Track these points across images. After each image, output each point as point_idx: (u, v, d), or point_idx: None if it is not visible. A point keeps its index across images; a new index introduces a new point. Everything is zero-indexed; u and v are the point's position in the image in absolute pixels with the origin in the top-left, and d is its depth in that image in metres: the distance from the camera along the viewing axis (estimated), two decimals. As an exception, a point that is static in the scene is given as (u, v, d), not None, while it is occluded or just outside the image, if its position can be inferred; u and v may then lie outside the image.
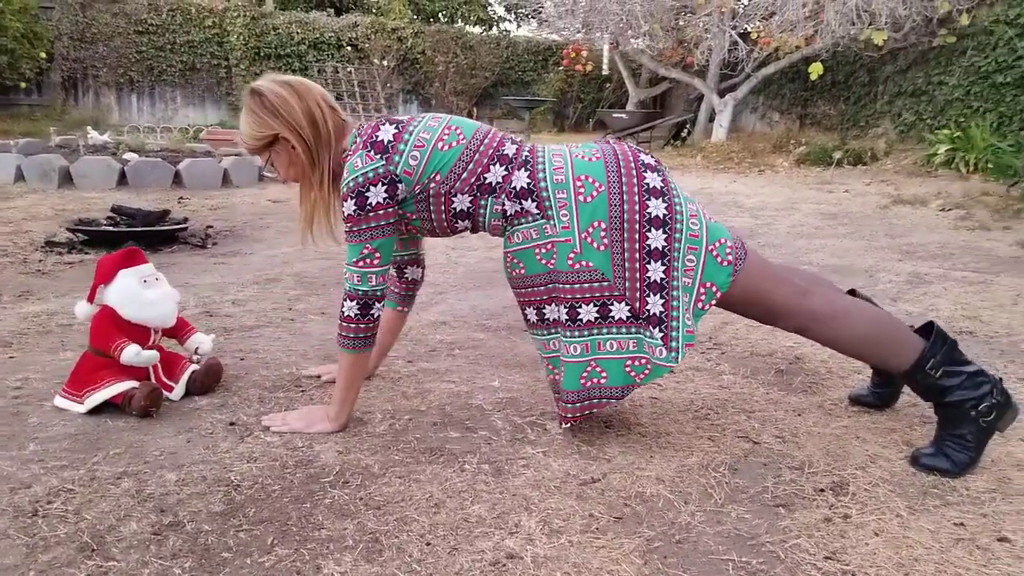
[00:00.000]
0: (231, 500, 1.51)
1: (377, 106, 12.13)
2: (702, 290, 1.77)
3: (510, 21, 18.76)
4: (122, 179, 5.86)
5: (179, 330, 2.13)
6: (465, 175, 1.76)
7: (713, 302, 1.78)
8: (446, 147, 1.76)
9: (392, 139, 1.75)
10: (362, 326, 1.79)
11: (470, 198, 1.78)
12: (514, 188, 1.76)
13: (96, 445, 1.75)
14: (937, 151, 8.11)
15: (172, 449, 1.73)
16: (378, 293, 1.78)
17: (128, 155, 6.10)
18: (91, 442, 1.76)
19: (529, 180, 1.76)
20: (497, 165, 1.77)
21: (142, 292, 1.99)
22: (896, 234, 5.04)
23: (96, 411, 1.90)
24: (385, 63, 13.25)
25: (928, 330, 1.82)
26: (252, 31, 12.19)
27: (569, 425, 1.85)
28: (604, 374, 1.75)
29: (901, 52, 9.82)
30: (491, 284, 3.48)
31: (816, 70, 9.67)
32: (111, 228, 3.85)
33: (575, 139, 12.30)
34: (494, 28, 17.95)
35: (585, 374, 1.75)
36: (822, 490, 1.64)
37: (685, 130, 11.86)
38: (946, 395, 1.74)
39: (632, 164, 1.77)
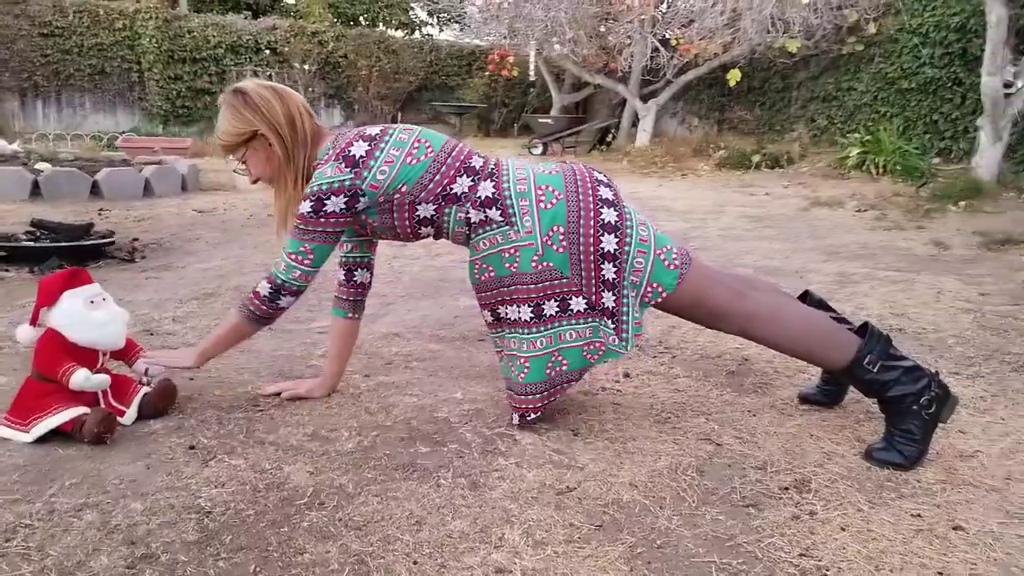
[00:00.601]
0: (204, 528, 1.47)
1: (300, 112, 11.90)
2: (649, 289, 1.93)
3: (432, 25, 18.71)
4: (35, 190, 5.57)
5: (128, 351, 2.05)
6: (431, 186, 1.87)
7: (659, 300, 1.93)
8: (414, 161, 1.86)
9: (364, 155, 1.85)
10: (264, 307, 1.94)
11: (434, 207, 1.89)
12: (479, 197, 1.88)
13: (49, 476, 1.66)
14: (849, 154, 8.48)
15: (132, 476, 1.66)
16: (293, 287, 1.92)
17: (40, 165, 5.81)
18: (43, 473, 1.68)
19: (494, 190, 1.88)
20: (464, 176, 1.89)
21: (89, 313, 1.90)
22: (819, 235, 5.26)
23: (43, 440, 1.81)
24: (306, 67, 13.02)
25: (864, 331, 1.93)
26: (165, 34, 11.76)
27: (531, 417, 1.95)
28: (565, 361, 1.90)
29: (813, 59, 10.25)
30: (438, 293, 3.47)
31: (734, 76, 9.99)
32: (32, 243, 3.66)
33: (500, 144, 12.35)
34: (416, 32, 17.86)
35: (550, 364, 1.90)
36: (786, 488, 1.70)
37: (610, 135, 12.05)
38: (887, 390, 1.85)
39: (587, 178, 1.93)
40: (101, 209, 5.37)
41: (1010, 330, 2.94)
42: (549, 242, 1.84)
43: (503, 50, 12.57)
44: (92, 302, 1.92)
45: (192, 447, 1.81)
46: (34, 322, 1.90)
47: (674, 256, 1.92)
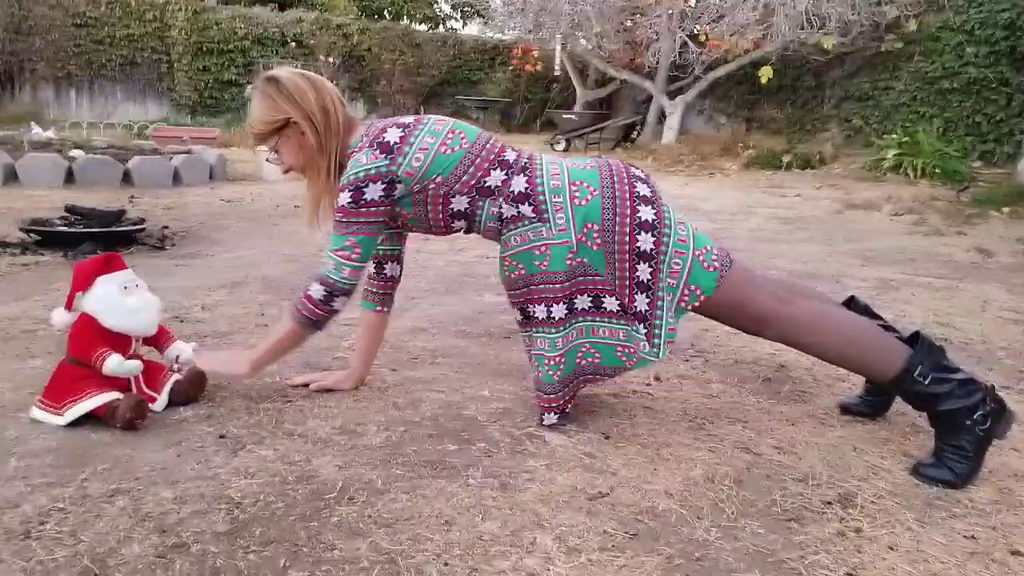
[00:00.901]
0: (235, 519, 1.45)
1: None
2: (686, 291, 1.86)
3: (456, 19, 18.67)
4: (69, 177, 5.62)
5: (159, 338, 2.04)
6: (465, 178, 1.84)
7: (696, 303, 1.87)
8: (449, 151, 1.83)
9: (398, 141, 1.82)
10: (318, 311, 1.88)
11: (468, 199, 1.86)
12: (512, 192, 1.84)
13: (82, 460, 1.65)
14: (886, 156, 8.33)
15: (163, 464, 1.65)
16: (346, 287, 1.86)
17: (74, 152, 5.86)
18: (75, 457, 1.67)
19: (527, 185, 1.84)
20: (497, 170, 1.85)
21: (123, 300, 1.89)
22: (854, 239, 5.16)
23: (76, 423, 1.80)
24: (331, 60, 13.04)
25: (914, 340, 1.85)
26: (194, 25, 11.85)
27: (568, 409, 1.92)
28: (598, 355, 1.87)
29: (848, 57, 10.07)
30: (462, 288, 3.44)
31: (766, 74, 9.86)
32: (66, 229, 3.68)
33: (523, 139, 12.27)
34: (440, 26, 17.82)
35: (581, 354, 1.88)
36: (830, 503, 1.64)
37: (635, 132, 11.95)
38: (938, 404, 1.77)
39: (624, 174, 1.88)
40: (132, 196, 5.40)
41: (1057, 343, 2.85)
42: (583, 239, 1.80)
43: (527, 44, 12.50)
44: (126, 288, 1.91)
45: (222, 436, 1.80)
46: (69, 306, 1.89)
47: (713, 257, 1.86)
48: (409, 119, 1.88)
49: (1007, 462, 1.86)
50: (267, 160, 2.03)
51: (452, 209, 1.87)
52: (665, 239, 1.83)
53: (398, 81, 13.58)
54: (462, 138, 1.85)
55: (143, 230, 3.96)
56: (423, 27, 16.32)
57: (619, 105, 13.91)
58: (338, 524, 1.45)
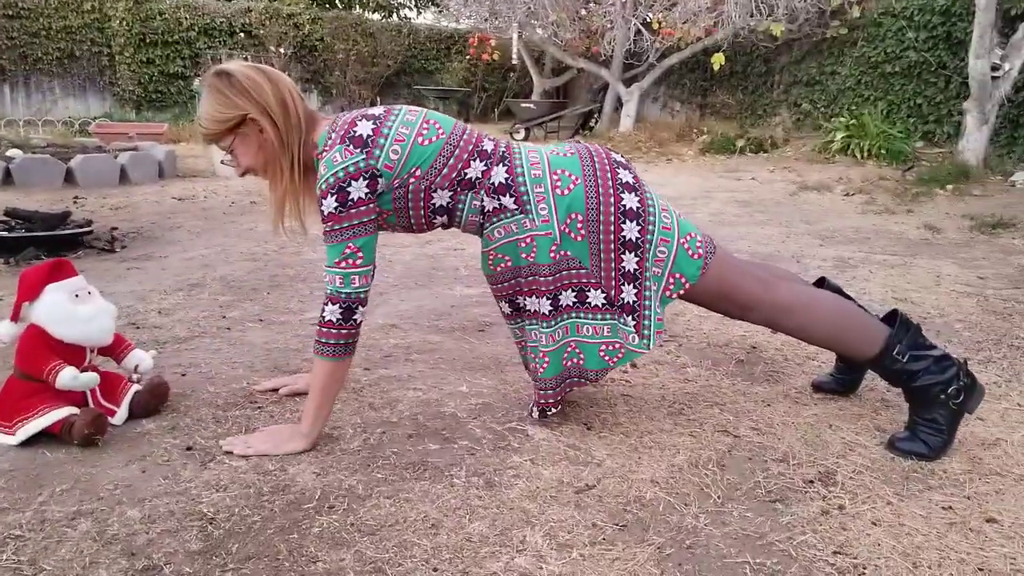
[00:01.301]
0: (208, 536, 1.38)
1: (278, 97, 11.65)
2: (671, 280, 1.81)
3: (410, 8, 18.43)
4: (7, 178, 5.38)
5: (116, 347, 1.94)
6: (446, 170, 1.74)
7: (681, 292, 1.83)
8: (426, 142, 1.73)
9: (371, 133, 1.70)
10: (343, 331, 1.69)
11: (450, 193, 1.76)
12: (492, 184, 1.76)
13: (37, 482, 1.56)
14: (834, 138, 8.46)
15: (127, 481, 1.57)
16: (361, 296, 1.71)
17: (12, 152, 5.61)
18: (31, 478, 1.58)
19: (507, 175, 1.77)
20: (477, 160, 1.77)
21: (74, 308, 1.79)
22: (811, 220, 5.22)
23: (29, 442, 1.71)
24: (282, 51, 12.75)
25: (891, 319, 1.87)
26: (136, 16, 11.42)
27: (550, 412, 1.87)
28: (582, 355, 1.80)
29: (796, 43, 10.20)
30: (431, 282, 3.38)
31: (718, 60, 9.91)
32: (6, 234, 3.51)
33: (482, 129, 12.16)
34: (394, 15, 17.59)
35: (567, 354, 1.81)
36: (811, 481, 1.65)
37: (593, 120, 11.96)
38: (914, 380, 1.79)
39: (605, 161, 1.81)
40: (76, 197, 5.20)
41: (1014, 314, 2.91)
42: (567, 231, 1.73)
43: (484, 34, 12.40)
44: (77, 296, 1.81)
45: (189, 448, 1.72)
46: (15, 317, 1.79)
47: (698, 244, 1.82)
48: (378, 110, 1.76)
49: (974, 432, 1.89)
50: (222, 162, 1.88)
51: (434, 204, 1.76)
52: (650, 227, 1.78)
53: (352, 71, 13.33)
54: (438, 128, 1.74)
55: (90, 232, 3.80)
56: (376, 16, 16.06)
57: (575, 94, 13.89)
58: (320, 535, 1.39)
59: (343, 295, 1.68)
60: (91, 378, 1.77)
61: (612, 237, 1.75)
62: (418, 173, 1.72)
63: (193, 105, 11.22)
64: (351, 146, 1.67)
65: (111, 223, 4.38)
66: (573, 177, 1.76)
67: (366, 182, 1.67)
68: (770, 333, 2.64)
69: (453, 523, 1.44)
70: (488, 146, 1.79)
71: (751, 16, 9.50)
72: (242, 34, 12.34)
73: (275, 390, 2.05)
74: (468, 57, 13.65)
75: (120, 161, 5.82)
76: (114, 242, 3.85)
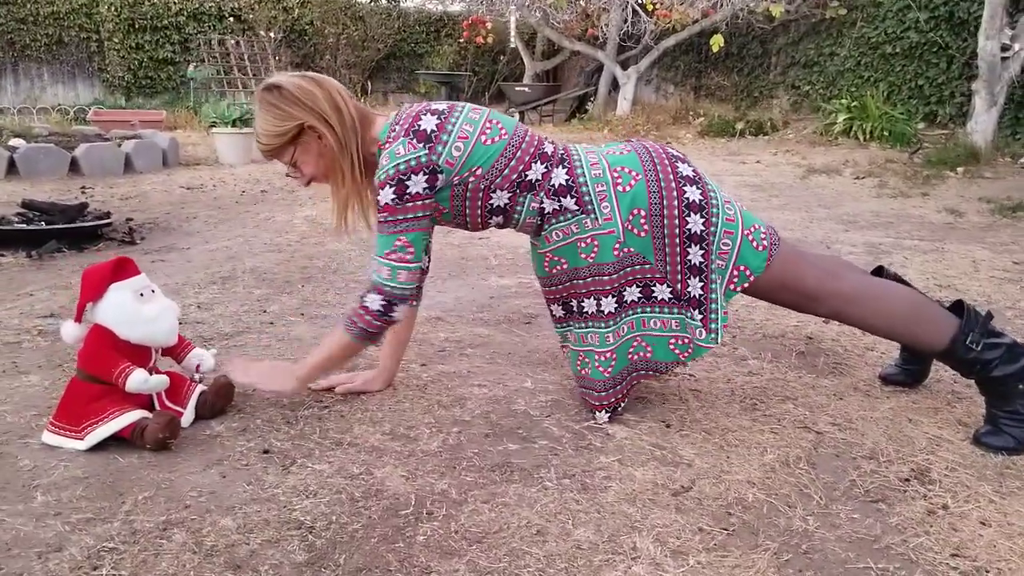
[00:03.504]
0: (311, 546, 1.33)
1: (271, 81, 11.46)
2: (735, 272, 1.79)
3: (400, -10, 18.13)
4: (11, 168, 5.24)
5: (176, 347, 1.88)
6: (507, 171, 1.74)
7: (746, 284, 1.81)
8: (489, 141, 1.72)
9: (435, 128, 1.70)
10: (377, 323, 1.73)
11: (509, 194, 1.76)
12: (553, 186, 1.76)
13: (116, 489, 1.50)
14: (836, 120, 8.44)
15: (210, 487, 1.51)
16: (405, 293, 1.72)
17: (15, 141, 5.47)
18: (109, 486, 1.51)
19: (568, 177, 1.76)
20: (538, 162, 1.76)
21: (140, 308, 1.73)
22: (828, 204, 5.20)
23: (97, 447, 1.64)
24: (272, 35, 12.53)
25: (957, 309, 1.84)
26: (124, 1, 11.18)
27: (620, 409, 1.85)
28: (650, 349, 1.80)
29: (793, 24, 10.13)
30: (464, 273, 3.32)
31: (717, 42, 9.83)
32: (26, 226, 3.41)
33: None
34: (383, -1, 17.32)
35: (632, 348, 1.80)
36: (907, 479, 1.62)
37: (588, 103, 11.87)
38: (990, 370, 1.77)
39: (663, 156, 1.80)
40: (84, 187, 5.07)
41: (1059, 300, 2.90)
42: (630, 227, 1.72)
43: (478, 16, 12.25)
44: (142, 295, 1.75)
45: (266, 451, 1.66)
46: (79, 318, 1.72)
47: (763, 236, 1.80)
48: (442, 105, 1.76)
49: None
50: (287, 175, 1.85)
51: (492, 204, 1.76)
52: (714, 219, 1.76)
53: (343, 55, 13.14)
54: (501, 129, 1.74)
55: (110, 224, 3.71)
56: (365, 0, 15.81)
57: (566, 77, 13.78)
58: (426, 543, 1.34)
59: (387, 287, 1.70)
60: (161, 380, 1.70)
61: (677, 231, 1.73)
62: (479, 172, 1.71)
63: (185, 91, 11.05)
64: (415, 140, 1.67)
65: (123, 214, 4.28)
66: (634, 173, 1.74)
67: (426, 177, 1.67)
68: (823, 323, 2.61)
69: (558, 529, 1.40)
70: (548, 148, 1.79)
71: (751, -2, 9.45)
72: (231, 18, 12.10)
73: (330, 388, 2.00)
74: (461, 40, 13.48)
75: (124, 149, 5.69)
76: (132, 233, 3.76)
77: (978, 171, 6.09)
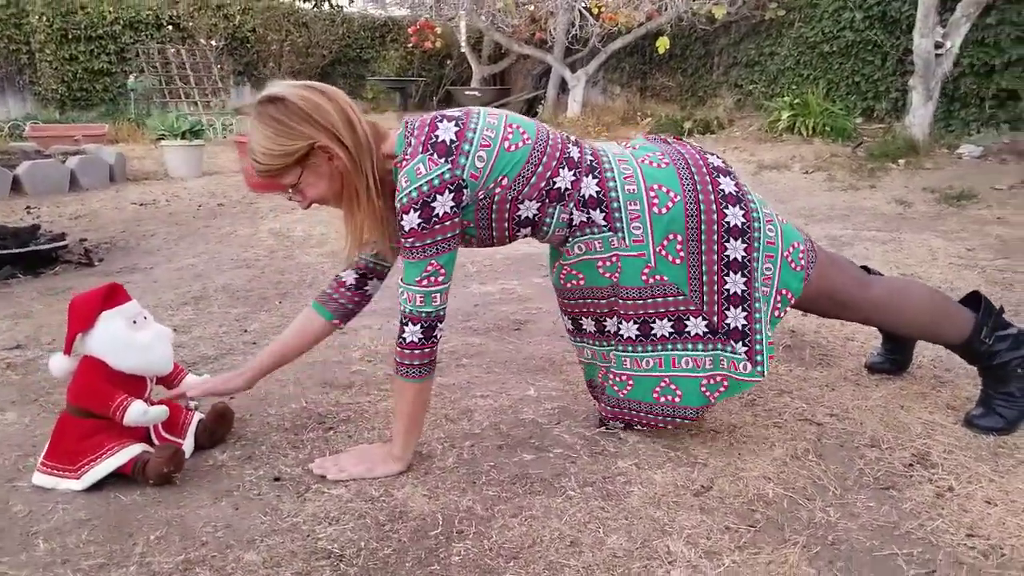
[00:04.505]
0: (345, 575, 1.29)
1: (215, 90, 11.20)
2: (778, 297, 1.70)
3: (342, -5, 17.92)
4: (-52, 189, 5.01)
5: (171, 374, 1.81)
6: (534, 180, 1.60)
7: (788, 308, 1.72)
8: (512, 147, 1.58)
9: (455, 138, 1.54)
10: (426, 351, 1.59)
11: (538, 205, 1.63)
12: (583, 196, 1.64)
13: (123, 530, 1.44)
14: (780, 117, 8.65)
15: (224, 521, 1.46)
16: (441, 314, 1.59)
17: (-51, 161, 5.23)
18: (115, 527, 1.45)
19: (599, 189, 1.64)
20: (565, 169, 1.63)
21: (133, 336, 1.66)
22: (784, 198, 5.32)
23: (95, 487, 1.57)
24: (213, 43, 12.26)
25: (970, 300, 1.89)
26: (56, 10, 10.73)
27: (636, 426, 1.79)
28: (679, 392, 1.68)
29: (734, 25, 10.35)
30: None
31: (663, 44, 9.99)
32: (-23, 252, 3.26)
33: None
34: (326, 4, 17.12)
35: (659, 389, 1.70)
36: (910, 465, 1.67)
37: (538, 106, 11.93)
38: (995, 358, 1.82)
39: (704, 169, 1.66)
40: (28, 207, 4.87)
41: (1015, 283, 3.02)
42: (664, 252, 1.60)
43: (426, 21, 12.20)
44: (135, 322, 1.68)
45: (277, 479, 1.62)
46: (68, 350, 1.65)
47: (800, 255, 1.71)
48: (457, 111, 1.62)
49: None
50: (288, 199, 1.66)
51: (519, 216, 1.63)
52: (756, 244, 1.65)
53: (287, 62, 12.93)
54: (523, 133, 1.59)
55: (65, 246, 3.57)
56: (308, 5, 15.59)
57: (513, 80, 13.81)
58: (462, 564, 1.32)
59: (423, 314, 1.56)
60: (161, 411, 1.64)
61: (716, 258, 1.62)
62: (505, 182, 1.58)
63: (124, 102, 10.71)
64: (435, 155, 1.52)
65: (76, 234, 4.12)
66: (672, 194, 1.62)
67: (452, 195, 1.52)
68: (802, 315, 2.66)
69: (591, 539, 1.39)
70: (574, 153, 1.65)
71: (694, 0, 9.62)
72: (170, 27, 11.79)
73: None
74: (411, 45, 13.39)
75: (69, 166, 5.48)
76: (89, 255, 3.63)
77: (918, 163, 6.30)
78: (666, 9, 9.92)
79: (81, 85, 10.84)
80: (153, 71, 10.75)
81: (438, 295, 1.56)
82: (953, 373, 2.15)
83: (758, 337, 1.65)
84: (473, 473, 1.63)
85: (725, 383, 1.66)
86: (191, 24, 11.88)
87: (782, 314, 1.70)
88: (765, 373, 1.66)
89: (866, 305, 1.80)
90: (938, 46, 6.49)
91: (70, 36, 10.74)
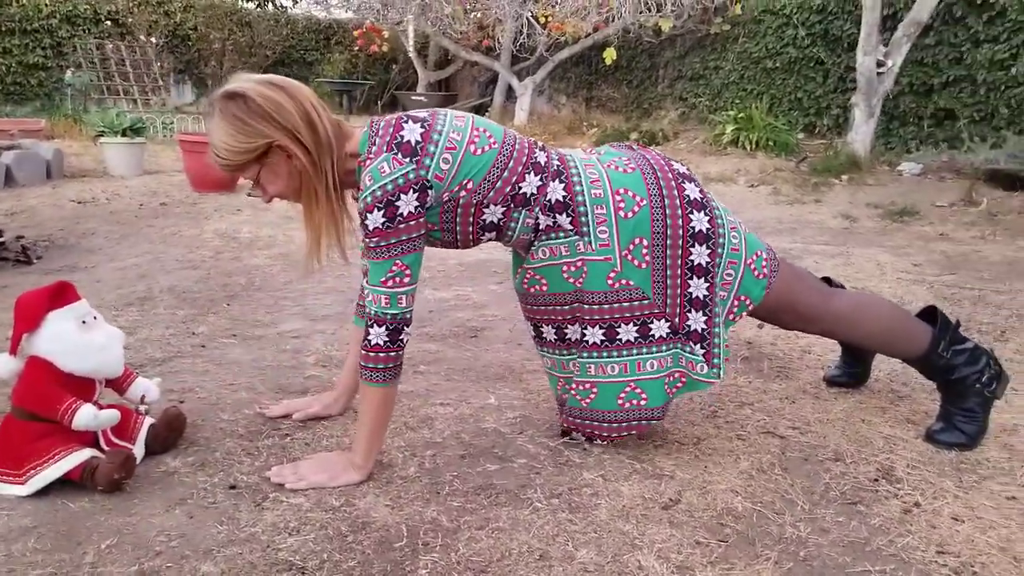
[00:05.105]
0: (309, 589, 1.24)
1: (154, 87, 10.88)
2: (736, 302, 1.74)
3: (287, -4, 17.64)
4: None
5: (120, 377, 1.72)
6: (500, 184, 1.60)
7: (744, 313, 1.76)
8: (479, 151, 1.57)
9: (420, 139, 1.53)
10: (392, 355, 1.55)
11: (503, 209, 1.62)
12: (549, 201, 1.63)
13: (72, 538, 1.36)
14: (724, 131, 8.82)
15: (178, 530, 1.39)
16: (408, 317, 1.56)
17: None
18: (63, 535, 1.37)
19: (565, 193, 1.64)
20: (531, 174, 1.62)
21: (84, 336, 1.58)
22: (732, 211, 5.39)
23: (40, 492, 1.49)
24: (152, 40, 11.91)
25: (927, 314, 1.92)
26: (-12, 3, 10.34)
27: (597, 441, 1.78)
28: (644, 395, 1.68)
29: (679, 38, 10.52)
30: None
31: (610, 55, 10.11)
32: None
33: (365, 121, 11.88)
34: (270, 4, 16.83)
35: (623, 395, 1.69)
36: (875, 480, 1.68)
37: (485, 113, 11.92)
38: (953, 373, 1.85)
39: (670, 175, 1.68)
40: (-43, 202, 4.64)
41: (963, 300, 3.11)
42: (630, 257, 1.61)
43: (373, 25, 12.09)
44: (84, 322, 1.60)
45: (233, 487, 1.55)
46: (14, 351, 1.55)
47: (763, 263, 1.75)
48: (422, 113, 1.61)
49: (993, 417, 1.92)
50: (248, 194, 1.66)
51: (484, 220, 1.62)
52: (720, 250, 1.67)
53: (229, 61, 12.63)
54: (489, 137, 1.59)
55: (2, 244, 3.39)
56: (252, 4, 15.30)
57: (459, 87, 13.79)
58: (431, 576, 1.28)
59: (389, 316, 1.53)
60: (111, 416, 1.56)
61: (680, 262, 1.64)
62: (470, 186, 1.57)
63: (61, 97, 10.31)
64: (399, 154, 1.51)
65: (13, 231, 3.93)
66: (638, 198, 1.63)
67: (416, 195, 1.51)
68: (758, 326, 2.69)
69: (560, 552, 1.37)
70: (541, 158, 1.65)
71: (640, 13, 9.75)
72: (108, 22, 11.41)
73: (288, 415, 1.88)
74: (357, 48, 13.24)
75: (4, 161, 5.23)
76: (27, 252, 3.46)
77: (861, 178, 6.49)
78: (613, 20, 10.02)
79: (15, 79, 10.40)
80: (91, 67, 10.39)
81: (403, 296, 1.54)
82: (910, 387, 2.19)
83: (716, 340, 1.69)
84: (436, 483, 1.59)
85: (683, 379, 1.69)
86: (130, 20, 11.52)
87: (737, 319, 1.74)
88: (721, 376, 1.70)
89: (828, 317, 1.82)
90: (880, 64, 6.70)
91: (3, 29, 10.28)
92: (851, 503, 1.58)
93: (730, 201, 5.89)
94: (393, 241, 1.51)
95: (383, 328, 1.53)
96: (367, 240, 1.53)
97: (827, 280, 2.07)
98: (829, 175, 6.73)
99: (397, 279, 1.53)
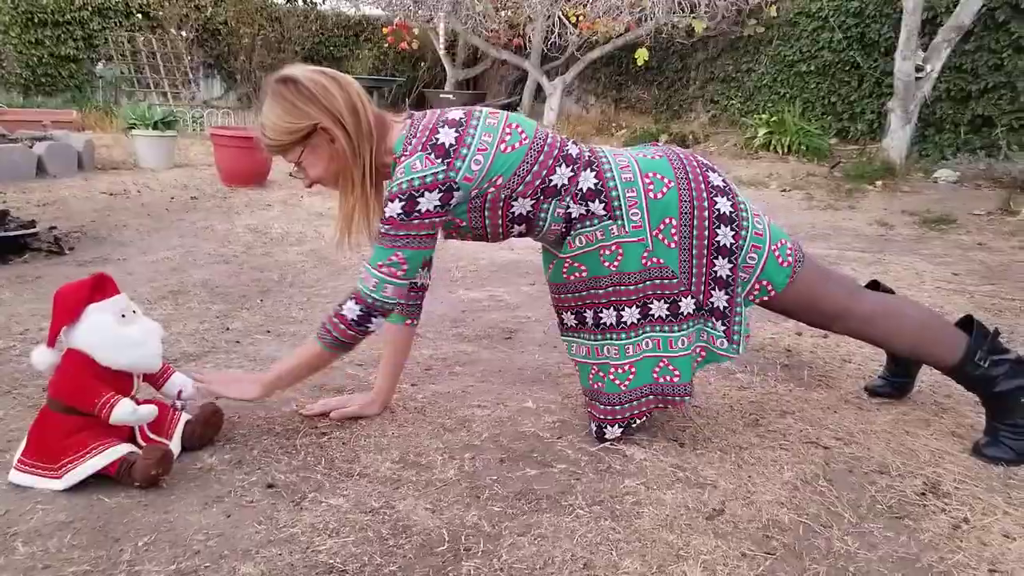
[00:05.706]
0: (350, 593, 1.22)
1: (184, 81, 10.96)
2: (756, 285, 1.79)
3: (316, -9, 17.72)
4: (-92, 171, 4.79)
5: (158, 372, 1.71)
6: (529, 178, 1.66)
7: (766, 298, 1.81)
8: (509, 148, 1.64)
9: (454, 143, 1.61)
10: (351, 332, 1.65)
11: (532, 201, 1.68)
12: (581, 190, 1.69)
13: (109, 535, 1.35)
14: (756, 134, 8.73)
15: (216, 529, 1.38)
16: (386, 306, 1.65)
17: (-90, 141, 5.00)
18: (99, 531, 1.36)
19: (597, 180, 1.70)
20: (563, 166, 1.69)
21: (123, 330, 1.57)
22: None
23: (76, 487, 1.48)
24: (183, 33, 12.01)
25: (966, 323, 1.88)
26: (22, -7, 10.46)
27: (636, 424, 1.79)
28: (677, 372, 1.75)
29: (712, 40, 10.43)
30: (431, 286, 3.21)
31: (641, 56, 10.04)
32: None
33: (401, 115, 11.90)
34: (300, 0, 16.92)
35: (658, 368, 1.75)
36: (923, 494, 1.63)
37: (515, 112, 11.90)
38: (994, 385, 1.80)
39: (695, 164, 1.76)
40: (-7, 192, 4.69)
41: (1005, 310, 3.04)
42: (660, 236, 1.68)
43: (403, 21, 12.10)
44: (124, 316, 1.59)
45: (271, 486, 1.53)
46: (52, 343, 1.55)
47: (788, 252, 1.79)
48: (458, 113, 1.66)
49: None
50: (290, 175, 1.74)
51: (513, 213, 1.68)
52: (743, 232, 1.73)
53: (259, 56, 12.71)
54: (521, 133, 1.65)
55: (35, 234, 3.41)
56: (281, 0, 15.39)
57: (487, 85, 13.77)
58: (474, 583, 1.26)
59: (370, 299, 1.62)
60: (150, 411, 1.55)
61: (706, 242, 1.71)
62: (499, 181, 1.64)
63: (92, 89, 10.44)
64: (432, 155, 1.59)
65: (45, 222, 3.95)
66: (666, 180, 1.70)
67: (440, 195, 1.59)
68: (797, 334, 2.65)
69: (604, 561, 1.34)
70: (573, 150, 1.72)
71: (673, 13, 9.66)
72: (139, 15, 11.51)
73: (325, 414, 1.87)
74: (386, 45, 13.27)
75: (36, 152, 5.28)
76: (60, 243, 3.48)
77: (895, 185, 6.39)
78: (645, 21, 9.94)
79: (46, 70, 10.53)
80: (122, 59, 10.49)
81: (390, 287, 1.62)
82: (953, 400, 2.14)
83: (737, 319, 1.75)
84: (476, 487, 1.57)
85: (703, 353, 1.77)
86: (161, 13, 11.62)
87: (756, 301, 1.80)
88: (741, 351, 1.76)
89: (855, 318, 1.81)
90: (918, 69, 6.59)
91: (36, 20, 10.41)
92: (898, 517, 1.53)
93: (763, 205, 5.82)
94: (403, 233, 1.59)
95: (359, 307, 1.63)
96: (381, 224, 1.62)
97: (875, 284, 2.03)
98: (863, 181, 6.63)
99: (392, 268, 1.61)
